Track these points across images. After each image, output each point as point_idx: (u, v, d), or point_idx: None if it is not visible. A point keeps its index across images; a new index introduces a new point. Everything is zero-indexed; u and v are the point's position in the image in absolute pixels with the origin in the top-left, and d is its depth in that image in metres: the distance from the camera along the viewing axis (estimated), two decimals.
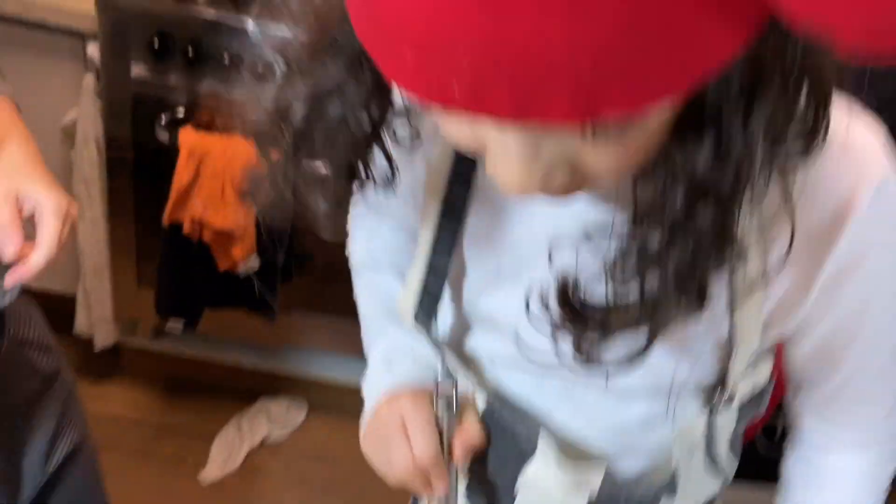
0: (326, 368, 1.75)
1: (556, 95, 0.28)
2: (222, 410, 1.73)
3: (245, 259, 1.46)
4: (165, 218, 1.42)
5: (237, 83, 0.44)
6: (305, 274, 1.58)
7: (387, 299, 0.66)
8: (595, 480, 0.56)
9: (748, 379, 0.55)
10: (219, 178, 1.39)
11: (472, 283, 0.58)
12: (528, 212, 0.51)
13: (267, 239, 1.32)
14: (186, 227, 1.42)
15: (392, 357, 0.65)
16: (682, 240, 0.37)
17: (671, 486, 0.60)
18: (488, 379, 0.61)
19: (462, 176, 0.52)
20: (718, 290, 0.45)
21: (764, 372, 0.57)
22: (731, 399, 0.55)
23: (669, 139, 0.35)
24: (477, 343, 0.61)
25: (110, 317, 1.63)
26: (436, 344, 0.60)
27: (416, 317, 0.60)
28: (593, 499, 0.57)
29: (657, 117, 0.33)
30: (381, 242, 0.67)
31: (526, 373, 0.58)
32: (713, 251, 0.38)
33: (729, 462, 0.64)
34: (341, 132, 0.42)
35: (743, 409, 0.58)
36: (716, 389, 0.55)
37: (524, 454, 0.58)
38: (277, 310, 1.57)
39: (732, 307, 0.49)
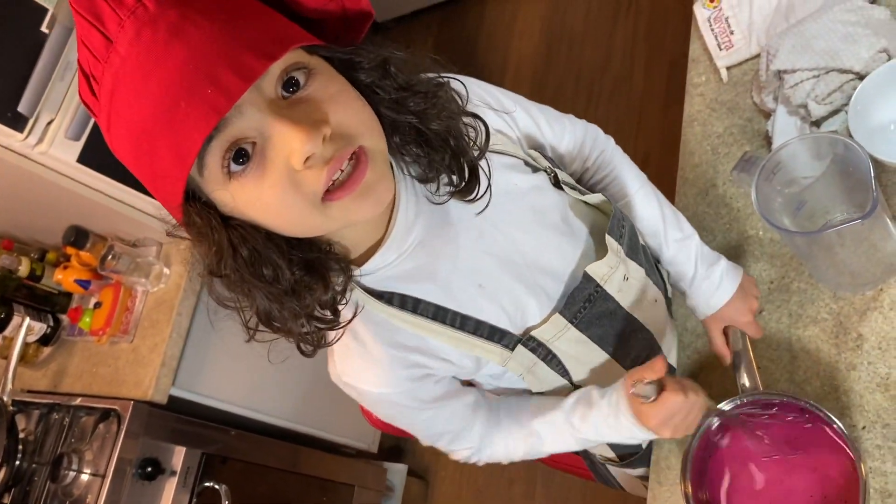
0: None
1: None
2: None
3: None
4: None
5: None
6: None
7: (528, 407, 0.93)
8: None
9: (562, 174, 0.90)
10: None
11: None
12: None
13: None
14: None
15: (582, 398, 0.89)
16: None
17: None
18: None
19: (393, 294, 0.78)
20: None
21: (567, 174, 0.93)
22: (557, 182, 0.90)
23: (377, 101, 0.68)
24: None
25: None
26: (535, 350, 0.86)
27: (508, 352, 0.84)
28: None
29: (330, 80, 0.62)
30: (496, 418, 0.94)
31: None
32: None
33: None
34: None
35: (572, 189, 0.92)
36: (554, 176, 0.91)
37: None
38: None
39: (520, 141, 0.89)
